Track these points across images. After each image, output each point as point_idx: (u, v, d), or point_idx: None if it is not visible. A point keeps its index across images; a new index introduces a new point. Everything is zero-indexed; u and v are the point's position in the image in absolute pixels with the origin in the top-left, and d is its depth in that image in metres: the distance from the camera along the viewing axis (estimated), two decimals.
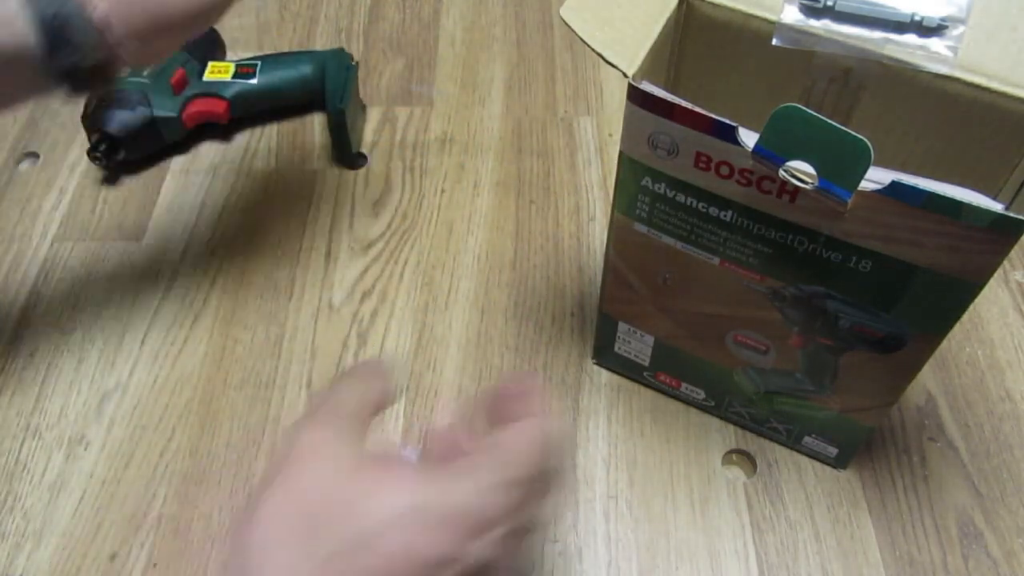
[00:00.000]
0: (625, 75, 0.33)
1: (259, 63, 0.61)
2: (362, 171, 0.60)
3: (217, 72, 0.60)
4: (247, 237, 0.56)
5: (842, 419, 0.42)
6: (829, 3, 0.35)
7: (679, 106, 0.33)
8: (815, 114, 0.29)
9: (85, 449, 0.46)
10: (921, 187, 0.30)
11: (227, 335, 0.51)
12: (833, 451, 0.44)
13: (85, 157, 0.58)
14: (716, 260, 0.38)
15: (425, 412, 0.48)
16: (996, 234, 0.29)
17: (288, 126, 0.62)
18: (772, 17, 0.36)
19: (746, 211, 0.35)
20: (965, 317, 0.51)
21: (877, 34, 0.35)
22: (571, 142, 0.61)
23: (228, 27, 0.67)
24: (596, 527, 0.43)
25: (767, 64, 0.38)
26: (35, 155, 0.61)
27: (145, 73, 0.59)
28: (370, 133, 0.62)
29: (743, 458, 0.46)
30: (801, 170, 0.31)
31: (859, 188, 0.30)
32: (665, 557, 0.42)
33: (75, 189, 0.58)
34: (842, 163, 0.30)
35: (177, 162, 0.60)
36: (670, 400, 0.48)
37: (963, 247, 0.31)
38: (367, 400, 0.32)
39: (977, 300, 0.52)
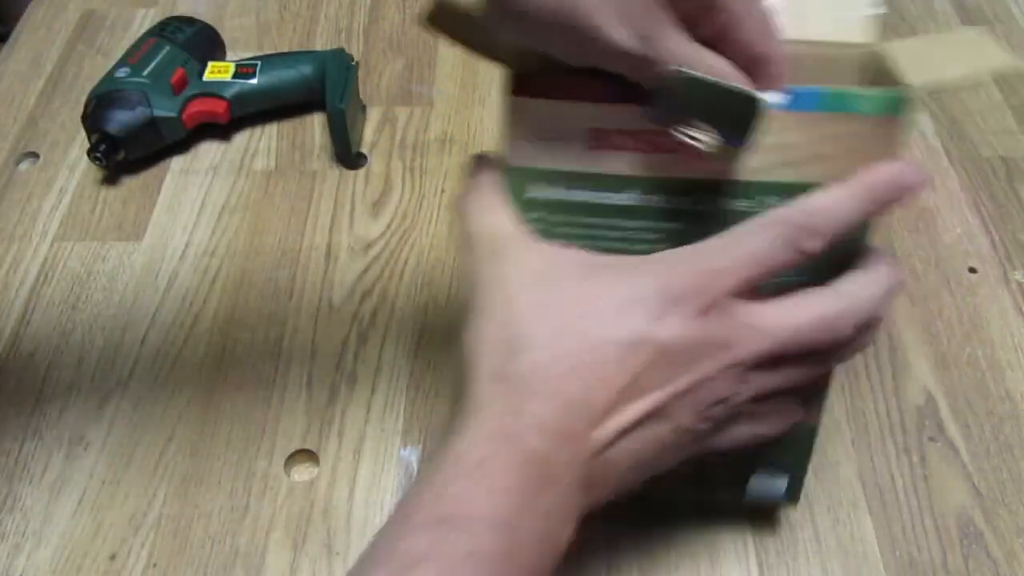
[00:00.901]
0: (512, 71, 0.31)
1: (259, 63, 0.61)
2: (362, 171, 0.60)
3: (217, 72, 0.60)
4: (247, 237, 0.56)
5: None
6: None
7: (573, 81, 0.31)
8: (702, 75, 0.29)
9: (85, 449, 0.46)
10: (817, 90, 0.30)
11: (227, 335, 0.51)
12: (783, 481, 0.40)
13: (85, 157, 0.58)
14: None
15: (425, 412, 0.48)
16: (890, 120, 0.30)
17: (288, 126, 0.62)
18: None
19: (649, 185, 0.33)
20: (965, 317, 0.51)
21: None
22: None
23: (228, 27, 0.68)
24: (596, 527, 0.43)
25: None
26: (35, 155, 0.61)
27: (145, 73, 0.59)
28: (370, 133, 0.62)
29: None
30: (695, 132, 0.31)
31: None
32: (665, 557, 0.42)
33: (75, 189, 0.58)
34: (736, 119, 0.30)
35: (177, 162, 0.60)
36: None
37: (862, 146, 0.31)
38: None
39: (977, 300, 0.52)
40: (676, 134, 0.30)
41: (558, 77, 0.31)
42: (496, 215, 0.32)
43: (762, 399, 0.32)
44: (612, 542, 0.43)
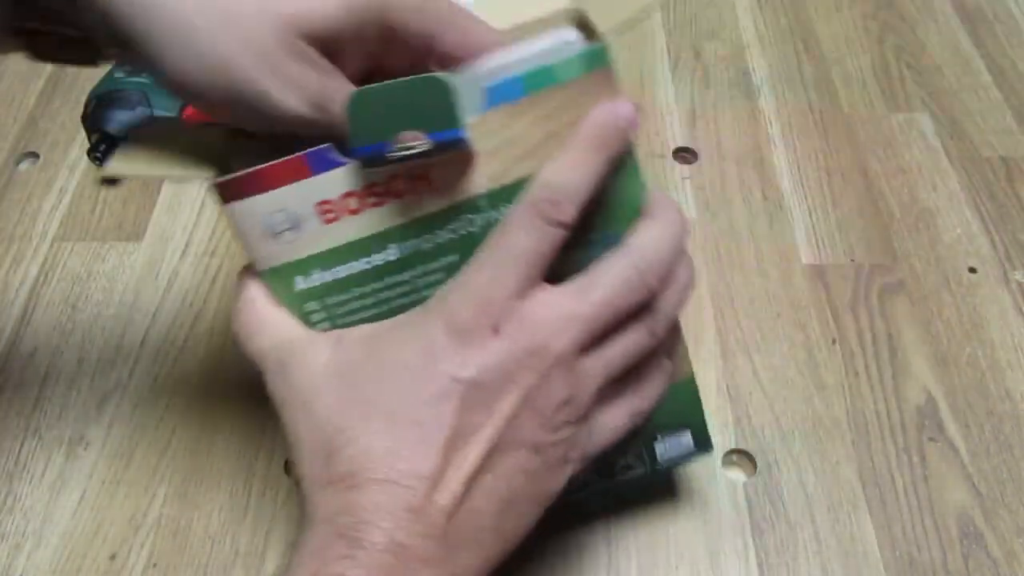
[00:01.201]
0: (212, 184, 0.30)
1: None
2: None
3: None
4: None
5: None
6: None
7: (266, 169, 0.29)
8: (383, 83, 0.28)
9: (85, 449, 0.46)
10: (515, 75, 0.29)
11: (227, 335, 0.51)
12: (687, 437, 0.39)
13: (85, 157, 0.58)
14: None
15: None
16: (597, 74, 0.30)
17: None
18: None
19: (403, 233, 0.31)
20: (965, 317, 0.52)
21: None
22: None
23: None
24: (596, 527, 0.43)
25: None
26: (35, 155, 0.61)
27: (144, 73, 0.59)
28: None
29: (743, 458, 0.46)
30: (407, 143, 0.29)
31: (467, 120, 0.29)
32: (665, 557, 0.42)
33: (75, 189, 0.58)
34: (434, 110, 0.29)
35: None
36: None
37: (581, 109, 0.30)
38: None
39: (977, 300, 0.52)
40: (393, 159, 0.29)
41: (261, 169, 0.29)
42: (272, 326, 0.32)
43: (612, 379, 0.31)
44: (612, 542, 0.43)
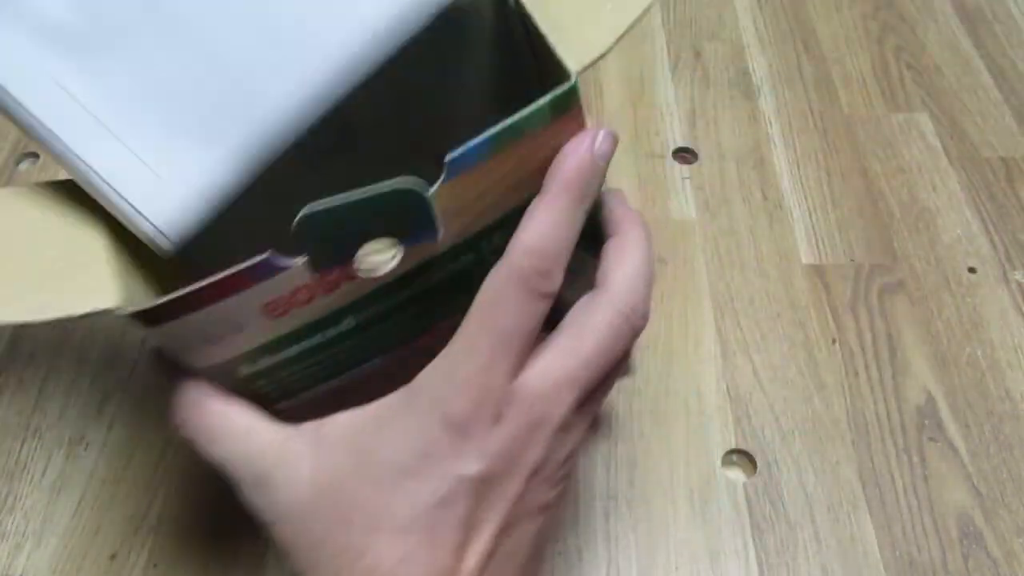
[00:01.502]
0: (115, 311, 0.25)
1: None
2: None
3: None
4: None
5: None
6: None
7: (200, 289, 0.25)
8: (341, 199, 0.24)
9: (85, 449, 0.46)
10: (475, 143, 0.26)
11: None
12: None
13: None
14: (378, 361, 0.32)
15: None
16: (567, 117, 0.27)
17: None
18: None
19: (361, 304, 0.29)
20: (965, 317, 0.52)
21: None
22: None
23: None
24: (596, 527, 0.43)
25: None
26: (35, 155, 0.60)
27: None
28: None
29: (743, 458, 0.46)
30: (379, 258, 0.27)
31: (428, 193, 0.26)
32: (665, 557, 0.42)
33: None
34: (407, 219, 0.26)
35: None
36: (670, 400, 0.48)
37: (552, 151, 0.28)
38: None
39: (977, 300, 0.52)
40: (360, 274, 0.27)
41: (193, 291, 0.25)
42: (234, 430, 0.29)
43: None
44: (612, 542, 0.43)
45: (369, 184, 0.25)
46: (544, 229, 0.27)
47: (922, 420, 0.47)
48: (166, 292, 0.25)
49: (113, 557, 0.42)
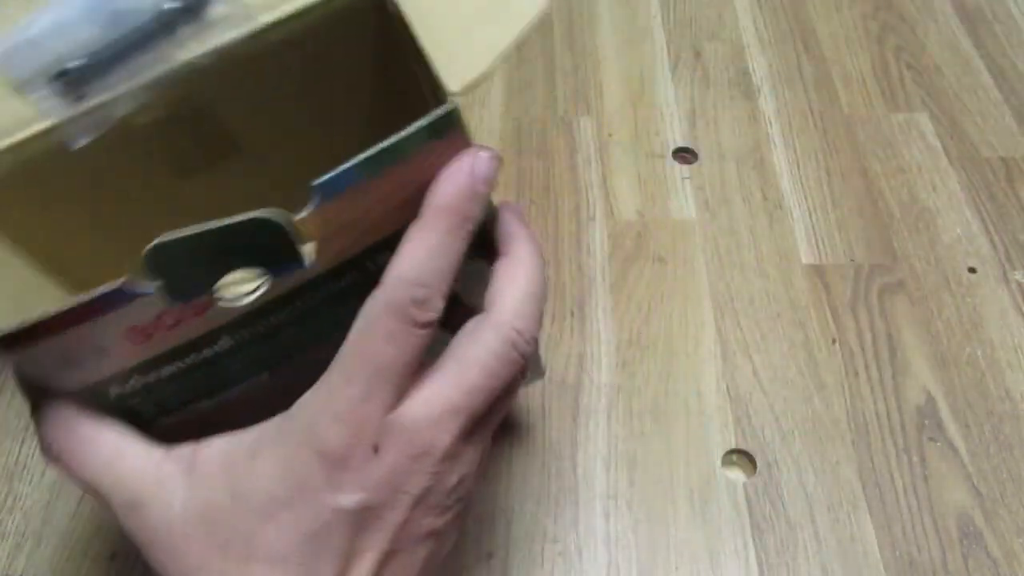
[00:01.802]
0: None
1: None
2: None
3: None
4: None
5: None
6: (83, 65, 0.27)
7: (51, 320, 0.24)
8: (193, 229, 0.23)
9: None
10: (346, 167, 0.25)
11: None
12: None
13: None
14: (266, 376, 0.31)
15: None
16: (444, 140, 0.26)
17: None
18: (43, 126, 0.27)
19: (236, 324, 0.28)
20: (965, 317, 0.52)
21: (152, 55, 0.27)
22: (571, 142, 0.61)
23: None
24: (596, 527, 0.43)
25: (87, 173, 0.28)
26: None
27: None
28: None
29: (743, 458, 0.46)
30: (244, 289, 0.26)
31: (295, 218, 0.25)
32: (665, 557, 0.42)
33: None
34: (268, 247, 0.25)
35: None
36: (670, 400, 0.48)
37: (431, 172, 0.27)
38: None
39: (977, 300, 0.52)
40: (220, 306, 0.26)
41: (44, 320, 0.24)
42: (104, 454, 0.27)
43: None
44: (612, 542, 0.43)
45: (249, 207, 0.24)
46: (420, 256, 0.26)
47: (922, 420, 0.47)
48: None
49: (113, 557, 0.42)
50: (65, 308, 0.24)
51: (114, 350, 0.26)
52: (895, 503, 0.44)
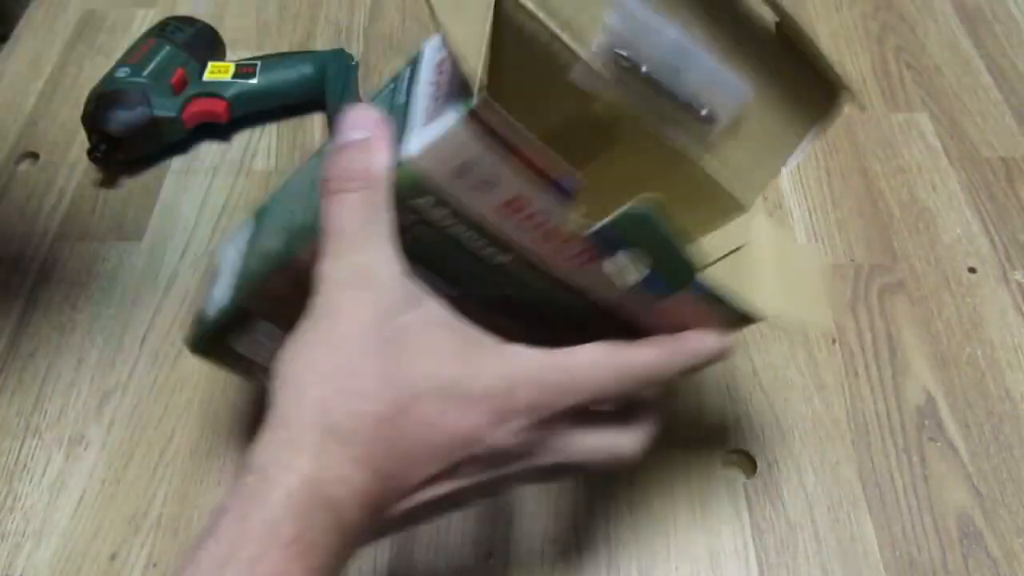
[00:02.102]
0: (472, 89, 0.27)
1: (259, 63, 0.61)
2: None
3: (217, 72, 0.60)
4: None
5: None
6: (643, 69, 0.33)
7: (525, 150, 0.28)
8: (665, 227, 0.29)
9: (85, 449, 0.46)
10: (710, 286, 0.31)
11: None
12: None
13: (85, 157, 0.58)
14: (496, 303, 0.34)
15: None
16: (736, 317, 0.33)
17: (288, 126, 0.62)
18: (576, 47, 0.32)
19: (524, 260, 0.32)
20: (965, 317, 0.52)
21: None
22: None
23: (228, 27, 0.67)
24: (596, 527, 0.43)
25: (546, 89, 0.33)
26: (35, 155, 0.61)
27: (145, 73, 0.59)
28: None
29: (743, 458, 0.46)
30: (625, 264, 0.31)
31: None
32: (665, 557, 0.42)
33: (75, 189, 0.58)
34: (670, 275, 0.31)
35: (177, 162, 0.60)
36: (670, 400, 0.48)
37: (708, 319, 0.33)
38: (371, 202, 0.30)
39: (977, 300, 0.52)
40: (606, 266, 0.31)
41: (528, 148, 0.28)
42: (378, 237, 0.30)
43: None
44: (612, 542, 0.43)
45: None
46: (658, 361, 0.33)
47: (922, 420, 0.47)
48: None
49: (113, 557, 0.42)
50: (537, 147, 0.28)
51: (485, 195, 0.30)
52: (895, 503, 0.44)
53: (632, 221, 0.29)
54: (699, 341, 0.33)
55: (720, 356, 0.34)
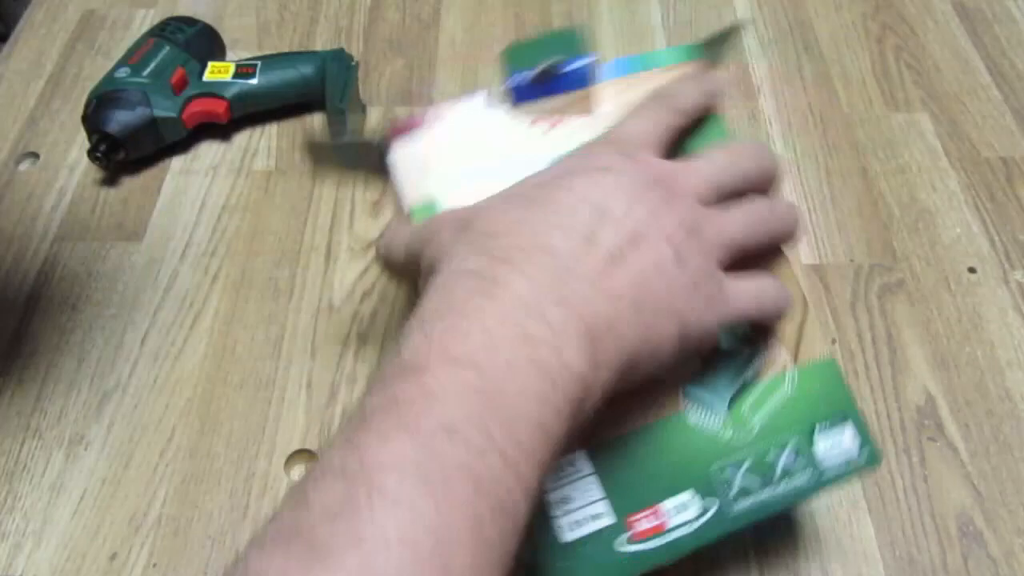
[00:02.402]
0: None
1: (259, 63, 0.61)
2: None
3: (217, 72, 0.60)
4: (247, 237, 0.56)
5: (807, 373, 0.37)
6: None
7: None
8: (531, 37, 0.39)
9: (85, 449, 0.46)
10: (630, 58, 0.40)
11: (227, 335, 0.51)
12: (849, 431, 0.36)
13: (85, 157, 0.58)
14: None
15: None
16: (695, 63, 0.41)
17: (288, 126, 0.62)
18: None
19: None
20: (965, 317, 0.52)
21: None
22: None
23: (228, 27, 0.67)
24: None
25: None
26: (35, 155, 0.61)
27: (145, 73, 0.59)
28: (370, 133, 0.62)
29: None
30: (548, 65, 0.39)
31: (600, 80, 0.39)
32: None
33: (75, 189, 0.58)
34: (569, 49, 0.39)
35: (177, 162, 0.60)
36: None
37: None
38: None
39: (977, 300, 0.52)
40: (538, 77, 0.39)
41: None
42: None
43: (738, 256, 0.35)
44: None
45: None
46: (683, 85, 0.39)
47: (922, 420, 0.47)
48: None
49: (113, 557, 0.42)
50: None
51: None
52: (895, 503, 0.44)
53: (511, 58, 0.40)
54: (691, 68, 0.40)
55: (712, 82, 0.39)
